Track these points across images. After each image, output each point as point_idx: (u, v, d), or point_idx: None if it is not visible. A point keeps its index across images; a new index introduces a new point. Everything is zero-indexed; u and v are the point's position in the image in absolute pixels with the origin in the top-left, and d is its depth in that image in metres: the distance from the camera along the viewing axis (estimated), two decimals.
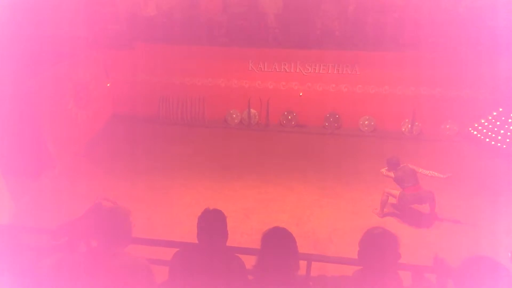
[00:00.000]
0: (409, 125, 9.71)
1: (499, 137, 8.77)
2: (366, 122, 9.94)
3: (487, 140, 9.00)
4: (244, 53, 9.98)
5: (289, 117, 10.17)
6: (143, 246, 3.20)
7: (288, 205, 6.85)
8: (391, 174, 6.41)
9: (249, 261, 2.45)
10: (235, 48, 9.97)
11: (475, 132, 9.41)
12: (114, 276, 2.06)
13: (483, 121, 9.31)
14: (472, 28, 8.95)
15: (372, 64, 9.61)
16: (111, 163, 7.98)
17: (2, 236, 2.35)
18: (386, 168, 6.60)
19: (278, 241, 2.04)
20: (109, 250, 2.09)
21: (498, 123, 8.94)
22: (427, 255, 5.11)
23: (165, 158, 8.29)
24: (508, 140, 8.61)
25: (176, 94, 10.20)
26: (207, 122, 10.19)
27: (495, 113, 9.12)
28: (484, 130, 9.18)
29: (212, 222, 2.25)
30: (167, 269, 2.43)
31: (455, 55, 9.20)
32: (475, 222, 6.20)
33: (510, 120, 8.72)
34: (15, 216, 5.86)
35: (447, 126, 9.71)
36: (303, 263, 2.73)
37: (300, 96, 10.04)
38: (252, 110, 10.17)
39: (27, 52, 6.96)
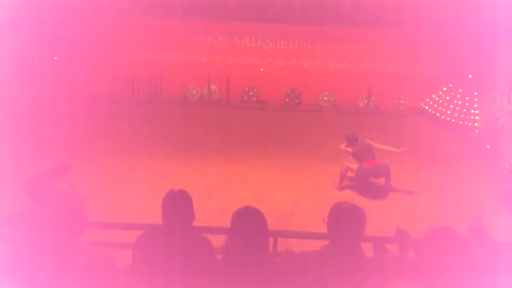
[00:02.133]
0: (366, 101, 10.01)
1: (449, 112, 9.30)
2: (326, 98, 10.11)
3: (438, 114, 9.51)
4: (203, 26, 9.66)
5: (250, 93, 10.09)
6: (104, 230, 3.07)
7: (251, 182, 6.88)
8: (350, 149, 6.61)
9: (216, 241, 2.43)
10: (194, 21, 9.60)
11: (426, 107, 9.89)
12: (71, 267, 1.96)
13: (434, 96, 9.79)
14: (430, 8, 9.21)
15: (331, 40, 9.70)
16: (66, 145, 7.54)
17: None
18: (345, 144, 6.78)
19: (248, 220, 2.03)
20: (65, 240, 1.97)
21: (447, 98, 9.44)
22: (385, 225, 5.40)
23: (123, 138, 7.96)
24: (456, 114, 9.15)
25: (130, 70, 9.71)
26: (166, 99, 9.88)
27: (445, 89, 9.62)
28: (435, 105, 9.68)
29: (178, 203, 2.19)
30: (131, 253, 2.36)
31: (411, 33, 9.48)
32: (429, 193, 6.59)
33: (458, 96, 9.24)
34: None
35: (401, 102, 10.12)
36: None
37: (261, 71, 9.97)
38: (212, 86, 9.98)
39: None
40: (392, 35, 9.51)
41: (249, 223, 2.01)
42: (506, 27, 7.62)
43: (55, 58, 9.25)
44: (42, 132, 7.96)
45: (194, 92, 10.05)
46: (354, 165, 6.52)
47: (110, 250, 2.19)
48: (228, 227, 2.13)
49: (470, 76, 9.16)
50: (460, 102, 9.13)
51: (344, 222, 2.04)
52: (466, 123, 9.00)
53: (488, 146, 7.95)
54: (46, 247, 1.98)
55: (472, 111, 9.00)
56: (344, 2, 9.71)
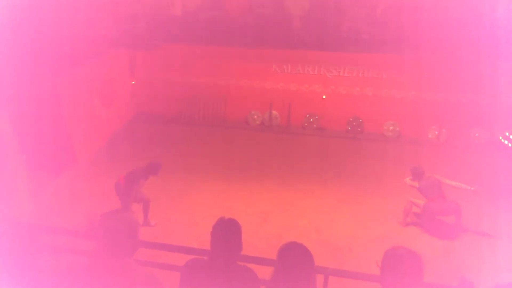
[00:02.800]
0: (436, 132, 9.39)
1: None
2: (391, 127, 9.68)
3: None
4: (268, 54, 9.92)
5: (311, 119, 10.03)
6: (155, 251, 3.18)
7: (307, 210, 6.73)
8: (416, 183, 6.21)
9: (264, 272, 2.39)
10: (259, 49, 9.92)
11: (505, 141, 9.00)
12: (118, 285, 2.03)
13: None
14: (506, 37, 8.54)
15: (398, 68, 9.35)
16: (131, 162, 8.06)
17: (21, 235, 2.37)
18: (410, 177, 6.39)
19: (295, 258, 1.97)
20: (116, 258, 2.07)
21: None
22: (450, 270, 4.92)
23: (184, 158, 8.32)
24: None
25: (198, 94, 10.26)
26: (228, 122, 10.19)
27: None
28: None
29: (226, 233, 2.19)
30: (178, 276, 2.40)
31: (487, 60, 8.80)
32: (506, 239, 5.90)
33: None
34: (33, 214, 5.98)
35: (476, 134, 9.33)
36: (319, 276, 2.64)
37: (323, 99, 9.89)
38: (274, 112, 10.09)
39: (53, 51, 7.12)
40: (467, 63, 8.91)
41: (295, 261, 1.95)
42: None
43: (133, 83, 10.10)
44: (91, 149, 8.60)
45: (255, 117, 10.25)
46: (420, 201, 6.10)
47: (157, 271, 2.24)
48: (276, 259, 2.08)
49: None
50: None
51: (399, 269, 1.88)
52: None
53: None
54: (98, 264, 2.09)
55: None
56: (414, 29, 9.38)
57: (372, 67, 9.51)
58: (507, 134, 8.98)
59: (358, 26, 10.03)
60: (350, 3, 10.02)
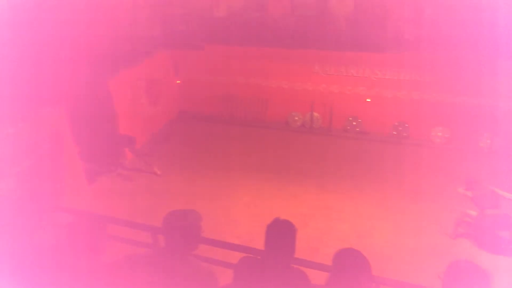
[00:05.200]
0: (488, 140, 8.85)
1: None
2: (439, 134, 9.25)
3: None
4: (310, 55, 9.81)
5: (354, 123, 9.80)
6: (206, 246, 3.21)
7: (347, 214, 6.59)
8: (469, 193, 5.90)
9: (313, 275, 2.34)
10: (301, 50, 9.82)
11: None
12: (177, 278, 2.07)
13: None
14: None
15: (449, 69, 8.89)
16: (175, 160, 8.27)
17: (82, 224, 2.47)
18: (464, 187, 6.09)
19: (353, 265, 1.90)
20: (177, 252, 2.10)
21: None
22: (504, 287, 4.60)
23: (226, 157, 8.40)
24: None
25: (240, 94, 10.33)
26: (269, 123, 10.19)
27: None
28: None
29: (282, 234, 2.17)
30: (230, 272, 2.40)
31: None
32: None
33: None
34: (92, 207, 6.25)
35: None
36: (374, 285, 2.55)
37: (367, 102, 9.63)
38: (315, 114, 9.96)
39: (102, 52, 7.44)
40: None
41: (352, 266, 1.88)
42: None
43: (178, 82, 10.38)
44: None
45: (296, 118, 10.17)
46: (474, 212, 5.78)
47: (215, 267, 2.25)
48: (328, 265, 2.03)
49: None
50: None
51: (463, 284, 1.77)
52: None
53: None
54: (159, 256, 2.14)
55: None
56: (465, 27, 8.87)
57: (418, 69, 9.13)
58: None
59: (403, 27, 9.66)
60: (395, 3, 9.67)
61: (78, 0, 7.09)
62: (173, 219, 2.15)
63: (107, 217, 3.61)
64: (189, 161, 8.19)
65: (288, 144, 9.21)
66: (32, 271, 2.13)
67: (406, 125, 9.42)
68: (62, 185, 6.12)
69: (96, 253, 2.24)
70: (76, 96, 6.62)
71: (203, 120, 10.22)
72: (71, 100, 6.51)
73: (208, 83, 10.44)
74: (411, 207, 6.75)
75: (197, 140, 9.18)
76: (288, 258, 2.18)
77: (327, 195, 7.12)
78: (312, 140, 9.51)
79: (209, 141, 9.14)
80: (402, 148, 8.99)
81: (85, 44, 7.02)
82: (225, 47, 10.14)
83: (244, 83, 10.35)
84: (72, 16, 6.86)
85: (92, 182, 7.15)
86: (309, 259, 3.35)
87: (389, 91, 9.46)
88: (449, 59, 8.82)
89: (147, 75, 8.96)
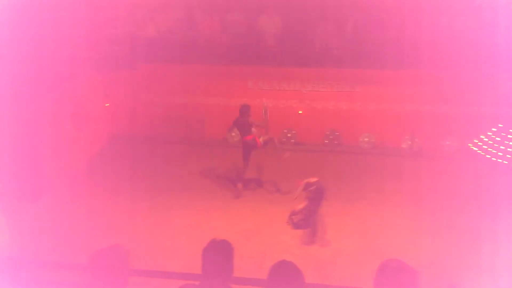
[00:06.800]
0: (409, 142, 9.71)
1: (500, 153, 8.77)
2: (366, 139, 9.94)
3: (488, 156, 8.99)
4: (243, 72, 10.06)
5: (289, 134, 10.17)
6: (144, 277, 3.12)
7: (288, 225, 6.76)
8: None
9: None
10: (235, 67, 10.03)
11: (475, 148, 9.41)
12: None
13: (482, 137, 9.32)
14: (471, 46, 9.04)
15: (372, 81, 9.68)
16: (111, 185, 7.90)
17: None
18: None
19: (286, 277, 1.98)
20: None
21: (498, 139, 8.94)
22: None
23: (165, 179, 8.21)
24: (508, 156, 8.60)
25: (175, 114, 10.20)
26: (208, 141, 10.18)
27: (494, 129, 9.14)
28: (484, 146, 9.19)
29: (219, 255, 2.18)
30: None
31: (454, 72, 9.25)
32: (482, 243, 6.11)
33: (510, 136, 8.73)
34: (12, 245, 5.73)
35: (447, 143, 9.71)
36: None
37: (300, 114, 10.07)
38: (252, 129, 10.15)
39: (25, 73, 6.96)
40: (435, 75, 9.35)
41: (286, 279, 1.96)
42: None
43: (107, 105, 9.95)
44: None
45: (233, 134, 10.28)
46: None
47: None
48: (266, 279, 2.09)
49: None
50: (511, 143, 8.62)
51: (394, 283, 1.92)
52: None
53: None
54: None
55: None
56: (384, 43, 9.76)
57: (346, 81, 9.80)
58: (475, 141, 9.41)
59: (330, 42, 10.34)
60: (321, 19, 10.32)
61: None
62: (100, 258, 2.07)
63: None
64: (127, 185, 7.86)
65: (228, 161, 9.25)
66: None
67: (337, 133, 9.99)
68: None
69: None
70: None
71: (139, 143, 9.87)
72: None
73: (142, 103, 10.18)
74: (348, 211, 7.12)
75: (134, 164, 8.83)
76: (226, 279, 2.21)
77: (269, 207, 7.26)
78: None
79: (147, 164, 8.85)
80: (335, 155, 9.50)
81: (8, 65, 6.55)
82: (157, 66, 9.98)
83: (179, 102, 10.26)
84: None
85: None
86: (255, 276, 3.41)
87: (318, 102, 10.01)
88: (371, 72, 9.60)
89: (73, 99, 8.51)
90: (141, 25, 10.26)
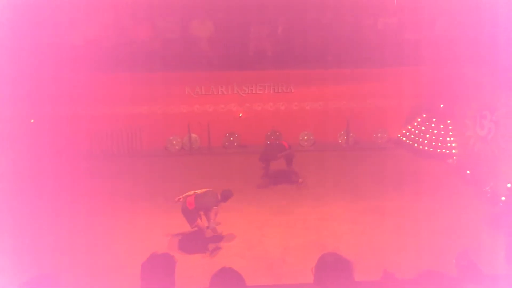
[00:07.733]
0: (345, 137, 10.18)
1: (426, 141, 9.53)
2: (306, 137, 10.25)
3: (415, 144, 9.73)
4: (179, 78, 9.86)
5: (231, 138, 10.16)
6: None
7: (238, 228, 6.72)
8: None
9: None
10: (170, 74, 9.78)
11: (404, 138, 10.14)
12: None
13: (409, 127, 10.07)
14: (391, 43, 9.72)
15: (305, 81, 10.01)
16: (45, 203, 7.30)
17: None
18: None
19: (227, 284, 1.94)
20: None
21: (423, 128, 9.71)
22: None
23: (104, 194, 7.76)
24: (433, 143, 9.38)
25: (109, 125, 9.67)
26: (146, 151, 9.81)
27: (419, 119, 9.92)
28: (412, 136, 9.93)
29: (160, 269, 2.08)
30: None
31: (378, 69, 9.87)
32: (415, 224, 6.56)
33: (433, 125, 9.52)
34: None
35: (379, 135, 10.34)
36: None
37: (240, 117, 10.11)
38: (193, 135, 10.00)
39: None
40: (362, 73, 9.92)
41: (228, 285, 1.92)
42: (472, 55, 8.09)
43: (32, 121, 9.15)
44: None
45: (174, 142, 10.04)
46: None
47: None
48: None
49: (441, 105, 9.51)
50: (435, 131, 9.40)
51: (331, 274, 1.98)
52: (443, 151, 9.21)
53: (468, 172, 8.09)
54: None
55: (448, 138, 9.25)
56: (312, 45, 10.17)
57: (281, 83, 10.03)
58: (404, 131, 10.13)
59: (262, 45, 10.51)
60: (254, 22, 10.45)
61: None
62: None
63: None
64: (63, 203, 7.29)
65: (169, 170, 8.98)
66: None
67: (278, 133, 10.18)
68: None
69: None
70: None
71: (71, 159, 9.20)
72: None
73: (69, 117, 9.50)
74: (296, 208, 7.26)
75: (71, 181, 8.22)
76: None
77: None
78: (194, 160, 9.51)
79: (82, 180, 8.30)
80: None
81: None
82: (86, 75, 9.34)
83: (112, 113, 9.73)
84: None
85: None
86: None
87: (257, 104, 10.13)
88: (305, 72, 9.93)
89: None
90: (66, 31, 9.53)
